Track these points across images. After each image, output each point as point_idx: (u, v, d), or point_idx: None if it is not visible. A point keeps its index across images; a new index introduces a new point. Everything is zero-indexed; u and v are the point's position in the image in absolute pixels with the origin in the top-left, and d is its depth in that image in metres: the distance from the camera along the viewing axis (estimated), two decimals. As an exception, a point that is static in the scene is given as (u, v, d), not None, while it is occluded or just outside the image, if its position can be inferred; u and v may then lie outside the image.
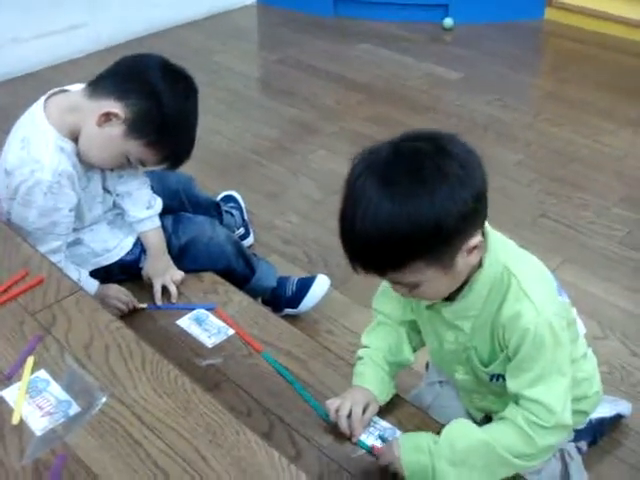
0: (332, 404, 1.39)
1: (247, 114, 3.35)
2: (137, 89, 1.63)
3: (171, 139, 1.68)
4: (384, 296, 1.45)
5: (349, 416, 1.36)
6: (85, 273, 1.78)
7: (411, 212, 1.08)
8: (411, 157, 1.12)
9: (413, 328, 1.45)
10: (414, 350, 1.47)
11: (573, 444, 1.49)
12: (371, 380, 1.40)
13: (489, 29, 4.16)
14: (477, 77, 3.68)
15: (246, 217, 2.46)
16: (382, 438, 1.37)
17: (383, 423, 1.40)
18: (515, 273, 1.22)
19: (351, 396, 1.38)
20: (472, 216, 1.13)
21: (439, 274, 1.15)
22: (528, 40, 4.14)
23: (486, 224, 1.21)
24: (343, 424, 1.36)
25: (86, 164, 1.72)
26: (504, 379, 1.28)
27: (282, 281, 2.08)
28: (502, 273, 1.22)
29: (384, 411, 1.42)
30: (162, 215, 1.91)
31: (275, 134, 3.18)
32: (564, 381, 1.22)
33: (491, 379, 1.33)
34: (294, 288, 2.07)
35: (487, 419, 1.46)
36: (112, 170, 1.79)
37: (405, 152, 1.13)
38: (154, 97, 1.63)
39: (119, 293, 1.78)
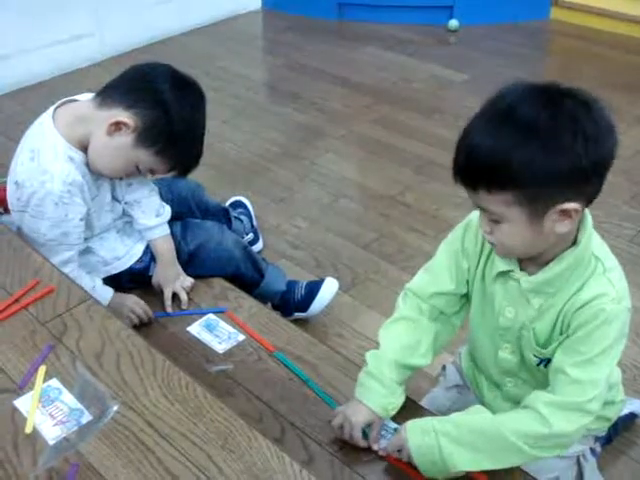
0: (335, 424, 1.37)
1: (254, 119, 3.36)
2: (146, 98, 1.64)
3: (180, 147, 1.68)
4: (438, 268, 1.40)
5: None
6: (99, 281, 1.79)
7: (525, 141, 1.07)
8: (554, 96, 1.11)
9: (446, 321, 1.42)
10: (437, 349, 1.42)
11: (587, 447, 1.48)
12: (374, 397, 1.35)
13: (495, 30, 4.15)
14: (484, 78, 3.67)
15: (255, 223, 2.46)
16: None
17: (394, 425, 1.40)
18: (602, 260, 1.22)
19: (353, 415, 1.35)
20: (580, 178, 1.10)
21: (523, 219, 1.13)
22: (534, 40, 4.13)
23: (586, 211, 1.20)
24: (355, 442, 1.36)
25: (95, 173, 1.73)
26: None
27: (291, 285, 2.08)
28: (590, 257, 1.21)
29: (396, 414, 1.42)
30: (171, 221, 1.92)
31: (282, 139, 3.19)
32: (607, 373, 1.22)
33: (539, 363, 1.30)
34: (303, 292, 2.07)
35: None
36: (121, 179, 1.80)
37: (553, 90, 1.13)
38: (163, 106, 1.63)
39: (135, 305, 1.78)
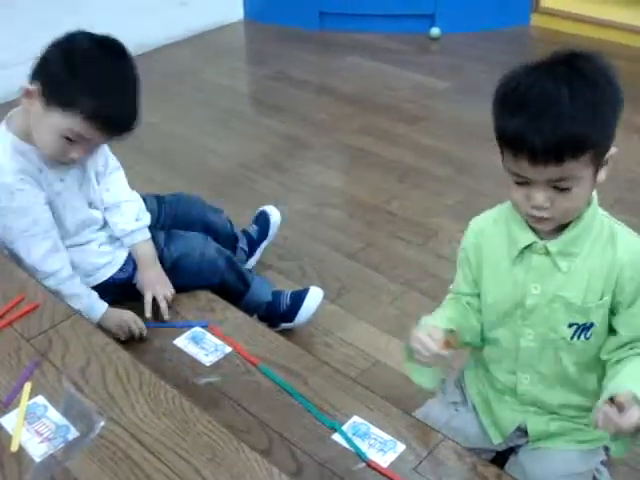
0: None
1: (238, 130, 3.36)
2: (52, 59, 1.63)
3: (91, 95, 1.60)
4: (458, 274, 1.47)
5: None
6: (94, 293, 1.78)
7: (592, 98, 1.15)
8: (577, 57, 1.24)
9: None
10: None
11: (600, 459, 1.46)
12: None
13: (476, 37, 4.18)
14: (466, 85, 3.69)
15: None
16: (383, 450, 1.37)
17: (383, 435, 1.40)
18: (606, 215, 1.31)
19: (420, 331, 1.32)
20: (618, 122, 1.20)
21: (590, 176, 1.20)
22: (515, 46, 4.16)
23: None
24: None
25: (53, 164, 1.71)
26: (585, 336, 1.29)
27: (275, 296, 2.08)
28: (601, 216, 1.30)
29: (384, 423, 1.42)
30: (154, 229, 1.91)
31: (267, 149, 3.19)
32: None
33: (574, 334, 1.31)
34: (288, 302, 2.07)
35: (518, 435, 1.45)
36: (74, 161, 1.70)
37: (573, 55, 1.25)
38: (67, 59, 1.62)
39: (132, 322, 1.76)
